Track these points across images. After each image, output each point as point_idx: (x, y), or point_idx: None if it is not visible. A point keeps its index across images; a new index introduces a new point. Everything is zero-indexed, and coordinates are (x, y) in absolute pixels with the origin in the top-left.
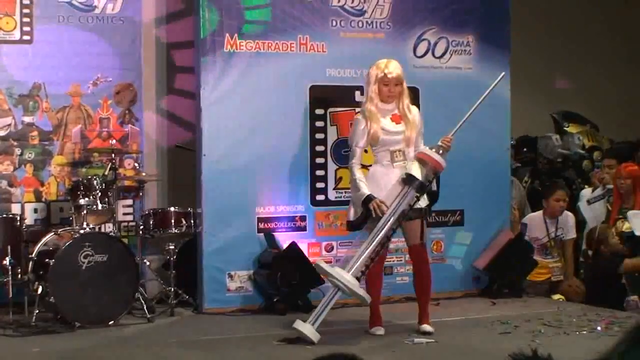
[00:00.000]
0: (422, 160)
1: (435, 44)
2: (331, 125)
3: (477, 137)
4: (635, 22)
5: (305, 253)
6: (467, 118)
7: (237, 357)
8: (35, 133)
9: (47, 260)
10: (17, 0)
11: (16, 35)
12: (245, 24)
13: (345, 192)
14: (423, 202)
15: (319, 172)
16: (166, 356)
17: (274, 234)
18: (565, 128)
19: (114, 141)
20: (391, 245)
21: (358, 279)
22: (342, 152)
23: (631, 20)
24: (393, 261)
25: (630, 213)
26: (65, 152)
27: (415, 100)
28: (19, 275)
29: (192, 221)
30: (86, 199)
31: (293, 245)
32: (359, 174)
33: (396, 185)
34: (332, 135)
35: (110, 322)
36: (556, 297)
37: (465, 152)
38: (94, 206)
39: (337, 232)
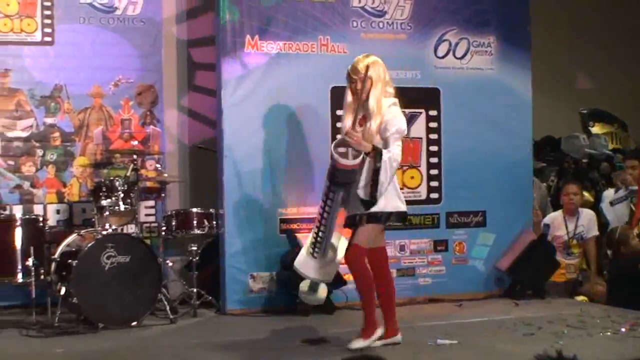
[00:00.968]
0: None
1: (456, 44)
2: None
3: (499, 137)
4: None
5: None
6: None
7: (259, 359)
8: (57, 134)
9: (69, 261)
10: (38, 1)
11: (37, 36)
12: (267, 22)
13: None
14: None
15: None
16: (189, 357)
17: (296, 235)
18: (590, 128)
19: (136, 142)
20: (413, 247)
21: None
22: None
23: None
24: (415, 262)
25: None
26: (87, 153)
27: (436, 101)
28: (42, 276)
29: (214, 222)
30: (108, 200)
31: None
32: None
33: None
34: None
35: (133, 323)
36: (579, 298)
37: (487, 153)
38: (116, 207)
39: None
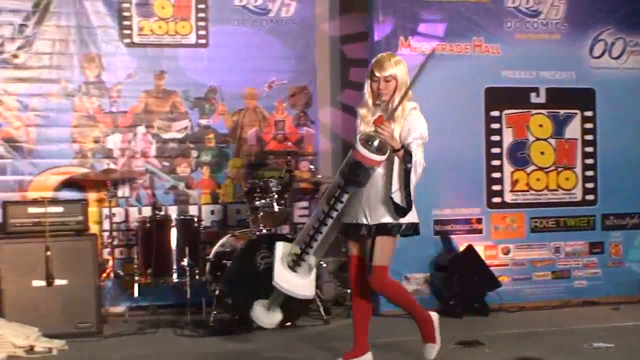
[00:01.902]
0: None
1: (612, 44)
2: (507, 127)
3: None
4: None
5: (482, 256)
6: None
7: None
8: (211, 135)
9: (224, 261)
10: (192, 4)
11: (192, 39)
12: (421, 22)
13: (522, 195)
14: (386, 218)
15: (495, 175)
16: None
17: (450, 236)
18: None
19: (290, 143)
20: (568, 249)
21: (301, 257)
22: (518, 155)
23: None
24: (570, 264)
25: None
26: (241, 154)
27: (591, 102)
28: (197, 276)
29: None
30: (262, 201)
31: (469, 248)
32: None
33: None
34: (507, 137)
35: (288, 324)
36: None
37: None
38: (271, 208)
39: (513, 235)
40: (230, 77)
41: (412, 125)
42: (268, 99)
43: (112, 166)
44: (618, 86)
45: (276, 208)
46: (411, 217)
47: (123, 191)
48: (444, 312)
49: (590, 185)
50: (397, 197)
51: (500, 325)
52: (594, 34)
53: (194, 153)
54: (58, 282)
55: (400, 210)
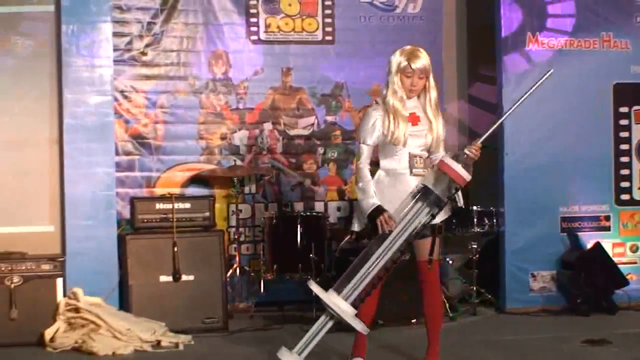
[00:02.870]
0: (442, 171)
1: None
2: (635, 123)
3: None
4: None
5: (610, 253)
6: (502, 121)
7: (539, 359)
8: (337, 132)
9: (350, 258)
10: (319, 1)
11: (318, 35)
12: (549, 18)
13: None
14: (440, 217)
15: (624, 172)
16: (468, 356)
17: (577, 233)
18: None
19: None
20: None
21: (356, 306)
22: None
23: None
24: None
25: None
26: None
27: None
28: (323, 272)
29: (494, 220)
30: None
31: (597, 246)
32: (368, 176)
33: (409, 197)
34: (636, 133)
35: (413, 321)
36: None
37: None
38: None
39: None
40: (357, 74)
41: (443, 133)
42: None
43: (238, 163)
44: None
45: None
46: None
47: (249, 188)
48: (571, 310)
49: None
50: (460, 199)
51: (629, 324)
52: None
53: (320, 150)
54: (185, 277)
55: (454, 209)
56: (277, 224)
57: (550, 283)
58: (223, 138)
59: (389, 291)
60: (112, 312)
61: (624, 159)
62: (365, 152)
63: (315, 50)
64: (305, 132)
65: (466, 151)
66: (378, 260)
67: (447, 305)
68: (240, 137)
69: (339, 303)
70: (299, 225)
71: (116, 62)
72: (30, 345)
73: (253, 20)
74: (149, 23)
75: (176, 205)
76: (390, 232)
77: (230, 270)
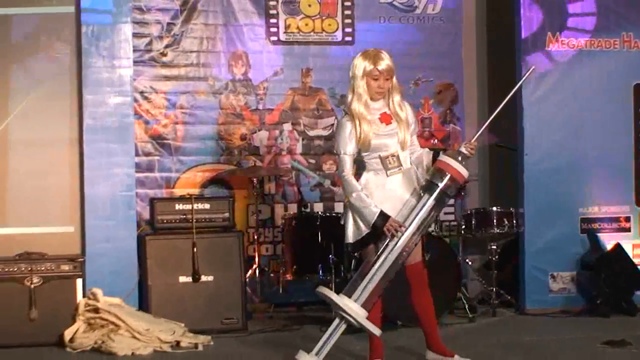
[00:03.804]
0: (440, 169)
1: None
2: None
3: None
4: None
5: (630, 255)
6: (492, 119)
7: None
8: None
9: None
10: (338, 2)
11: (338, 36)
12: (569, 17)
13: None
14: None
15: None
16: (488, 357)
17: (597, 234)
18: None
19: (436, 141)
20: None
21: (367, 308)
22: None
23: None
24: None
25: None
26: None
27: None
28: (342, 273)
29: (514, 221)
30: None
31: (617, 247)
32: (357, 184)
33: (410, 199)
34: None
35: None
36: None
37: None
38: None
39: None
40: None
41: (416, 127)
42: (415, 96)
43: (258, 163)
44: None
45: None
46: None
47: (269, 188)
48: (591, 311)
49: None
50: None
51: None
52: None
53: None
54: (204, 278)
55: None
56: (297, 225)
57: (570, 284)
58: (243, 139)
59: (407, 292)
60: (132, 312)
61: None
62: (348, 162)
63: (335, 51)
64: (325, 133)
65: (463, 149)
66: (385, 262)
67: (466, 306)
68: (260, 138)
69: (351, 305)
70: (318, 226)
71: (136, 62)
72: (49, 345)
73: (273, 20)
74: (168, 24)
75: (196, 206)
76: (401, 236)
77: (250, 271)
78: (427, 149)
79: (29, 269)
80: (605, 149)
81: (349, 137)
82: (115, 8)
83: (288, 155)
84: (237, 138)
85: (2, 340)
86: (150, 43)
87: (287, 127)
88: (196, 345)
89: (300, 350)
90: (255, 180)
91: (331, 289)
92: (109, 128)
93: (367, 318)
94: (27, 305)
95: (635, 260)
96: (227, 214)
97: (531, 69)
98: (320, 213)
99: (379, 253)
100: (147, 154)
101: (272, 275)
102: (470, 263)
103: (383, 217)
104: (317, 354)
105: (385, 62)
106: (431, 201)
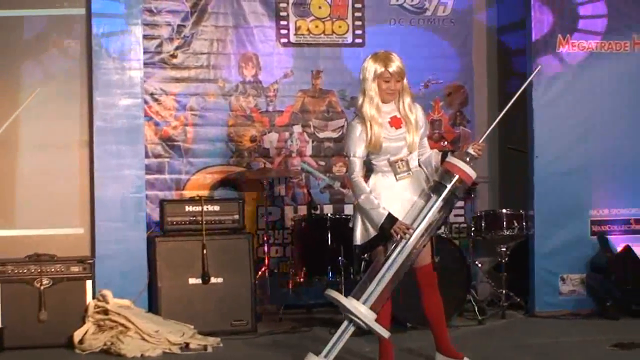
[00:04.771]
0: (448, 171)
1: None
2: None
3: None
4: None
5: None
6: (499, 120)
7: None
8: None
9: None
10: (349, 4)
11: (348, 38)
12: (580, 20)
13: None
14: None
15: None
16: (498, 359)
17: (607, 237)
18: None
19: (446, 143)
20: None
21: (376, 311)
22: None
23: None
24: None
25: None
26: None
27: None
28: (352, 275)
29: (523, 223)
30: None
31: (628, 249)
32: (366, 187)
33: (418, 200)
34: None
35: None
36: None
37: None
38: None
39: None
40: None
41: (426, 129)
42: (424, 98)
43: (268, 165)
44: None
45: None
46: None
47: (279, 190)
48: (600, 314)
49: None
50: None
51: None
52: None
53: None
54: (214, 280)
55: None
56: (306, 227)
57: (580, 286)
58: (253, 140)
59: (417, 294)
60: (141, 314)
61: None
62: (357, 164)
63: (345, 53)
64: (335, 135)
65: (470, 151)
66: (393, 264)
67: (476, 308)
68: (269, 140)
69: (360, 308)
70: (328, 228)
71: (146, 64)
72: (59, 346)
73: (283, 22)
74: (179, 26)
75: (205, 208)
76: (409, 238)
77: (259, 273)
78: (436, 150)
79: (39, 270)
80: (616, 151)
81: (359, 140)
82: (125, 10)
83: (298, 157)
84: (247, 140)
85: (12, 341)
86: (160, 45)
87: (297, 129)
88: (205, 347)
89: (309, 352)
90: (265, 182)
91: (340, 291)
92: (119, 130)
93: (376, 320)
94: (37, 306)
95: None
96: (236, 216)
97: (538, 68)
98: (330, 215)
99: (387, 255)
100: (157, 156)
101: (281, 277)
102: (479, 265)
103: (391, 219)
104: (325, 356)
105: (396, 64)
106: (439, 202)
